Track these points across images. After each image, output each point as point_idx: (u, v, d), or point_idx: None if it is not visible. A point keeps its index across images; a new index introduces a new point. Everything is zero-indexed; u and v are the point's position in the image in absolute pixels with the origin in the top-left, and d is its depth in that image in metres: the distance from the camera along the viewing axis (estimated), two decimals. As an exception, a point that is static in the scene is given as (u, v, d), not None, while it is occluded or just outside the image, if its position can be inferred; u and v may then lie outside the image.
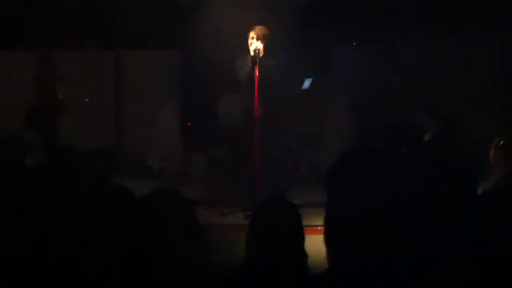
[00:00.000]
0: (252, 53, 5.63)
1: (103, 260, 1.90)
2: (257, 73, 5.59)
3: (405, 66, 7.35)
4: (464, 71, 7.65)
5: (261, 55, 5.60)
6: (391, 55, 7.45)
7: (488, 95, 7.49)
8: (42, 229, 2.34)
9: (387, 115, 7.17)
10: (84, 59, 7.88)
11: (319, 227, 1.94)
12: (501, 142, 3.59)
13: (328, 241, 1.68)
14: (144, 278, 1.81)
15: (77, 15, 7.29)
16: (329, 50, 7.82)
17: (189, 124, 7.72)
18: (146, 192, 2.00)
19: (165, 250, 1.68)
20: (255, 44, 5.62)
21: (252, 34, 5.68)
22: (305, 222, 2.35)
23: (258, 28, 5.68)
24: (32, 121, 6.69)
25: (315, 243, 2.12)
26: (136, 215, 1.75)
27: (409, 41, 7.41)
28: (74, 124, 7.22)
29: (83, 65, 7.87)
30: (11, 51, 7.50)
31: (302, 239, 2.20)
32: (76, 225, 2.20)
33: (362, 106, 7.37)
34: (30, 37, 7.37)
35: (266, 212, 2.18)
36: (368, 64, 7.43)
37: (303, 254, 2.16)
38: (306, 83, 7.61)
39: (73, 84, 7.43)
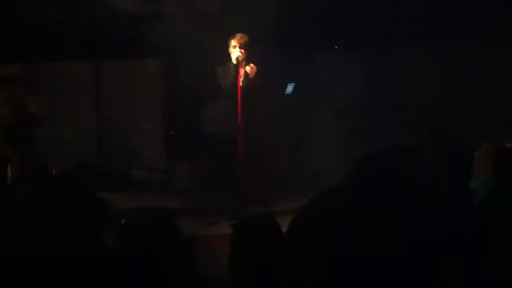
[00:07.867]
0: (234, 61, 5.63)
1: (87, 277, 1.86)
2: (240, 81, 5.61)
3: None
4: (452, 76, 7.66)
5: (243, 63, 5.62)
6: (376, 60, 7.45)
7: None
8: (25, 245, 2.29)
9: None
10: (62, 71, 7.78)
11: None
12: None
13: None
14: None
15: (53, 26, 7.15)
16: (311, 54, 7.79)
17: (172, 132, 7.66)
18: (131, 204, 1.96)
19: (153, 266, 1.64)
20: (237, 53, 5.62)
21: (233, 42, 5.67)
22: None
23: (239, 36, 5.67)
24: (9, 136, 6.55)
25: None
26: (120, 232, 1.71)
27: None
28: (54, 138, 7.12)
29: (61, 77, 7.76)
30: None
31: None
32: (58, 241, 2.15)
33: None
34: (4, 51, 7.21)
35: (246, 228, 2.15)
36: (351, 69, 7.42)
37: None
38: (289, 88, 7.59)
39: (52, 97, 7.32)
